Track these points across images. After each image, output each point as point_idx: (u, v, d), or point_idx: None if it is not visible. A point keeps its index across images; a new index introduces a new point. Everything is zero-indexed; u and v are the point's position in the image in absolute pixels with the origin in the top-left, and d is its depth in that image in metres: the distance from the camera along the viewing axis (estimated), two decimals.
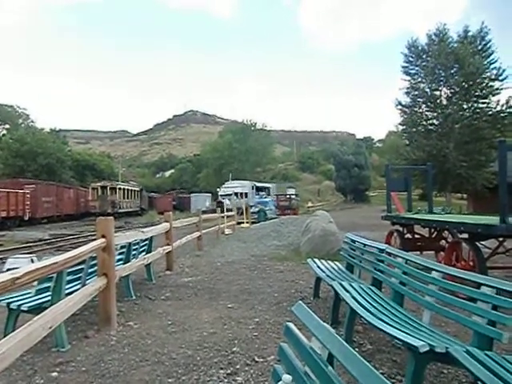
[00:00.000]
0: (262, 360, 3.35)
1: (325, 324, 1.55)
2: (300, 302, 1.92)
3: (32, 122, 56.97)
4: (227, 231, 15.25)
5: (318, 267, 5.19)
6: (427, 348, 2.29)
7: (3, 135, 49.52)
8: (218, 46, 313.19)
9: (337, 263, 5.52)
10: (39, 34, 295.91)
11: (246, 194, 34.50)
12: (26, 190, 27.34)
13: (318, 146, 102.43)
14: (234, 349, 3.60)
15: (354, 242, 5.22)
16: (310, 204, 42.05)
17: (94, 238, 13.97)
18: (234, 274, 7.26)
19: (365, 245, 4.82)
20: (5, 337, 3.61)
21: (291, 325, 1.74)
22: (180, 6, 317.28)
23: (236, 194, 33.58)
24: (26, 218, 26.71)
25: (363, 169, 55.34)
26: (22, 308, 3.84)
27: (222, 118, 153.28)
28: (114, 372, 3.19)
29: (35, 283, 3.95)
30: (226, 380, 3.02)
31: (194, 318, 4.60)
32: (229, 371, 3.15)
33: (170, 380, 3.04)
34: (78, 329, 4.27)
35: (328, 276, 4.75)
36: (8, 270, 8.44)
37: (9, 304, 3.89)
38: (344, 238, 5.73)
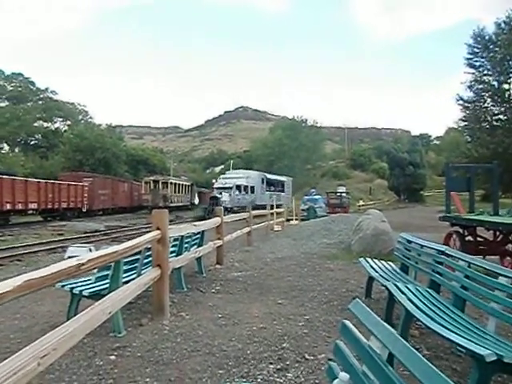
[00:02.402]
0: (312, 358, 3.30)
1: (385, 323, 1.48)
2: (357, 299, 1.86)
3: (90, 118, 59.77)
4: (276, 228, 15.27)
5: (371, 267, 5.03)
6: (494, 357, 2.12)
7: (65, 131, 52.61)
8: (268, 42, 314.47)
9: (390, 263, 5.32)
10: (98, 34, 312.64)
11: (252, 187, 28.74)
12: (84, 183, 28.89)
13: (371, 144, 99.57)
14: (284, 345, 3.58)
15: (409, 242, 5.00)
16: (361, 202, 40.95)
17: (146, 230, 14.60)
18: (283, 271, 7.23)
19: (422, 245, 4.59)
20: (67, 319, 3.86)
21: (348, 322, 1.69)
22: (231, 3, 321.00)
23: (238, 187, 27.51)
24: (84, 210, 28.21)
25: (418, 167, 52.94)
26: (84, 293, 4.05)
27: (273, 115, 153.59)
28: (167, 360, 3.29)
29: (95, 271, 4.16)
30: (275, 375, 3.00)
31: (244, 312, 4.63)
32: (279, 366, 3.13)
33: (220, 371, 3.08)
34: (132, 316, 4.45)
35: (381, 276, 4.59)
36: (69, 257, 9.03)
37: (72, 289, 4.12)
38: (398, 238, 5.51)
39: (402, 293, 3.50)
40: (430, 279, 4.15)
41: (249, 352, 3.43)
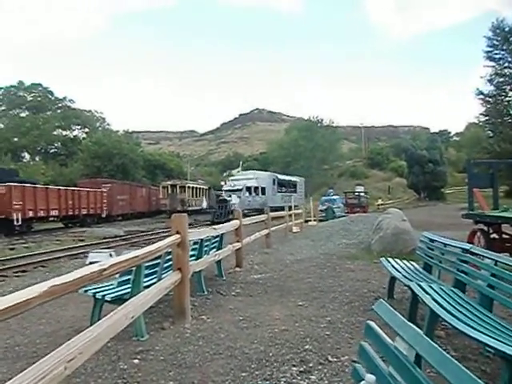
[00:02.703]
0: (335, 360, 3.26)
1: (411, 324, 1.45)
2: (381, 300, 1.83)
3: (108, 124, 60.50)
4: (295, 229, 15.21)
5: (393, 266, 4.94)
6: None
7: (83, 138, 53.56)
8: (282, 43, 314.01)
9: (413, 263, 5.22)
10: (113, 41, 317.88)
11: (263, 189, 27.40)
12: (103, 189, 29.29)
13: (388, 142, 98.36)
14: (307, 347, 3.55)
15: (432, 241, 4.90)
16: (380, 202, 40.41)
17: (165, 234, 14.73)
18: (303, 272, 7.19)
19: (445, 244, 4.49)
20: (91, 323, 3.92)
21: (372, 323, 1.66)
22: (244, 4, 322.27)
23: (249, 188, 26.22)
24: (104, 216, 28.57)
25: (438, 164, 51.87)
26: (106, 298, 4.11)
27: (288, 116, 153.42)
28: (190, 363, 3.30)
29: (117, 276, 4.22)
30: (299, 377, 2.98)
31: (265, 314, 4.61)
32: (302, 369, 3.11)
33: (243, 374, 3.07)
34: (154, 320, 4.48)
35: (404, 276, 4.51)
36: (90, 263, 9.19)
37: (95, 294, 4.18)
38: (420, 237, 5.41)
39: (426, 293, 3.42)
40: (454, 278, 4.05)
41: (271, 354, 3.41)
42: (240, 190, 25.71)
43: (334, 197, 30.44)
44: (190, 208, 37.08)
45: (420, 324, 3.85)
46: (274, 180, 29.19)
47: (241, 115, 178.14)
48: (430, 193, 52.09)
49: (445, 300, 3.29)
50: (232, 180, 28.57)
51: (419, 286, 3.64)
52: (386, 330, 1.67)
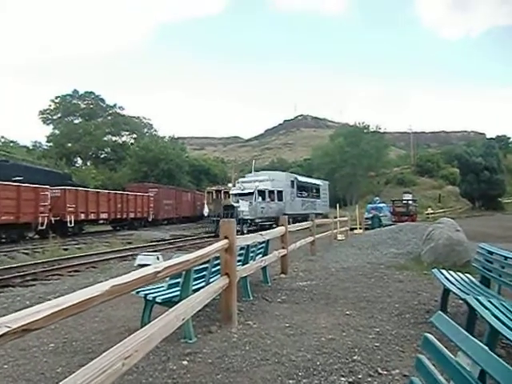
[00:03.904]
0: (385, 373, 3.16)
1: (474, 338, 1.39)
2: (440, 312, 1.76)
3: (155, 130, 62.12)
4: (340, 237, 14.96)
5: (446, 279, 4.73)
6: None
7: (131, 144, 55.70)
8: (326, 47, 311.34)
9: (468, 275, 4.97)
10: (159, 50, 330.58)
11: (279, 193, 22.61)
12: (150, 193, 30.29)
13: (439, 148, 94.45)
14: (355, 357, 3.47)
15: (491, 253, 4.64)
16: (429, 210, 38.80)
17: (209, 239, 14.94)
18: (349, 281, 7.05)
19: (506, 257, 4.24)
20: (141, 323, 4.06)
21: (431, 336, 1.60)
22: (291, 9, 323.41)
23: (262, 192, 21.28)
24: (150, 219, 29.46)
25: (495, 172, 48.98)
26: (157, 300, 4.24)
27: (333, 122, 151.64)
28: (238, 367, 3.33)
29: (167, 278, 4.34)
30: None
31: (311, 322, 4.56)
32: (350, 379, 3.04)
33: (290, 381, 3.05)
34: (201, 324, 4.55)
35: (459, 289, 4.29)
36: (138, 265, 9.51)
37: (146, 296, 4.33)
38: (477, 249, 5.14)
39: (485, 308, 3.24)
40: None
41: (318, 363, 3.37)
42: (251, 193, 20.83)
43: (381, 205, 29.56)
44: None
45: (478, 340, 3.65)
46: (292, 182, 24.38)
47: (285, 121, 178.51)
48: (486, 202, 49.28)
49: (506, 316, 3.10)
50: (242, 182, 23.24)
51: (477, 300, 3.45)
52: (443, 344, 1.60)
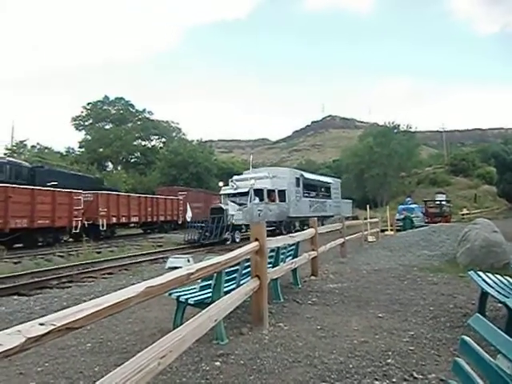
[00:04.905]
0: (421, 377, 3.09)
1: None
2: (478, 314, 1.72)
3: (183, 134, 63.00)
4: (370, 238, 14.73)
5: (484, 281, 4.57)
6: None
7: (160, 148, 56.83)
8: (355, 46, 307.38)
9: (508, 278, 4.78)
10: (187, 52, 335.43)
11: (281, 192, 19.10)
12: (179, 196, 30.71)
13: (474, 146, 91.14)
14: (389, 360, 3.41)
15: None
16: (464, 211, 37.45)
17: (237, 242, 14.89)
18: (381, 283, 6.93)
19: None
20: (174, 325, 4.14)
21: (469, 339, 1.57)
22: (318, 8, 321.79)
23: (259, 192, 17.73)
24: (180, 222, 29.73)
25: None
26: (189, 302, 4.30)
27: (362, 122, 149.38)
28: (270, 369, 3.34)
29: (199, 280, 4.41)
30: None
31: (343, 324, 4.52)
32: (385, 383, 2.99)
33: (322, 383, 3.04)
34: (232, 325, 4.58)
35: (498, 292, 4.14)
36: (169, 267, 9.68)
37: (178, 297, 4.40)
38: None
39: None
40: None
41: (351, 366, 3.33)
42: (246, 194, 17.30)
43: (413, 205, 28.84)
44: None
45: None
46: (298, 180, 20.55)
47: (313, 122, 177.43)
48: None
49: None
50: (235, 180, 19.18)
51: None
52: (481, 347, 1.56)
